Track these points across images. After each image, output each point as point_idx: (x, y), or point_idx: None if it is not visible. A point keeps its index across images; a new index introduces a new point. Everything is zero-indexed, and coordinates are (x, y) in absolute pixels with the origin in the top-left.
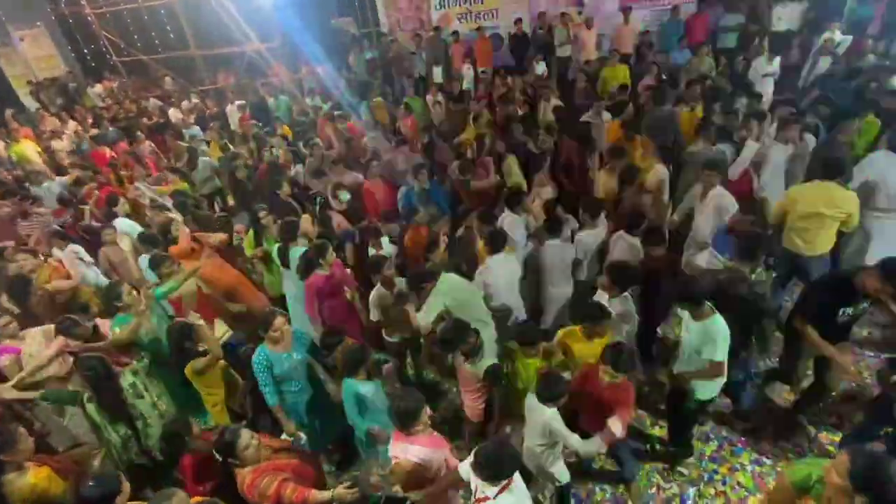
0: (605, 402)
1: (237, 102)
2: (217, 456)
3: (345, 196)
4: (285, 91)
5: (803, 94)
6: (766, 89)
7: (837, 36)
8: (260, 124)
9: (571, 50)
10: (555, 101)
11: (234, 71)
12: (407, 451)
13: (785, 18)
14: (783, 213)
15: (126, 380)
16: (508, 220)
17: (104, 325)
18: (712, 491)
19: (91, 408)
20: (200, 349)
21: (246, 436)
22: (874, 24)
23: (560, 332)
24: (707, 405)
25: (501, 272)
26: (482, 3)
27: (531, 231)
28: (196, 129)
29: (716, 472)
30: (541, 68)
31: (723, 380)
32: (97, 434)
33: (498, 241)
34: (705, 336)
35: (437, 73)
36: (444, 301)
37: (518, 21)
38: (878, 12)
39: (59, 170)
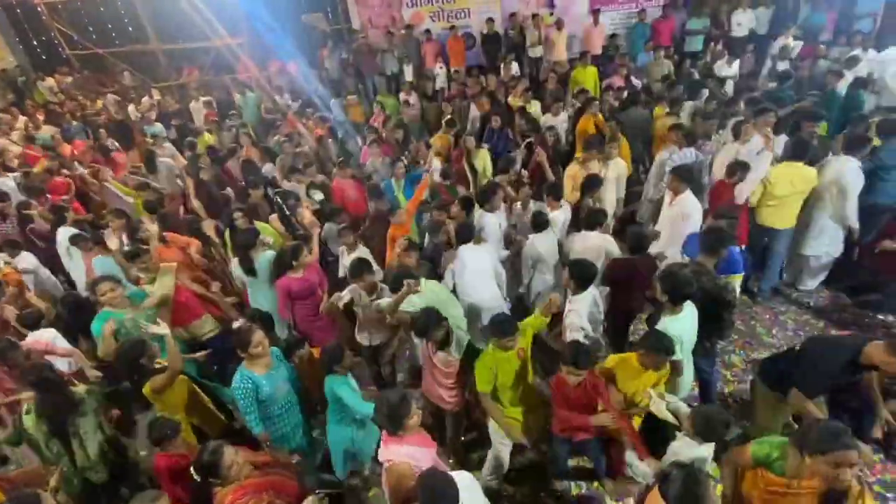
0: (577, 405)
1: (203, 99)
2: (196, 476)
3: (318, 195)
4: (254, 88)
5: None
6: (727, 91)
7: (791, 42)
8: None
9: (543, 50)
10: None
11: (198, 67)
12: (399, 452)
13: (744, 24)
14: (761, 194)
15: (77, 393)
16: (479, 217)
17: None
18: None
19: (28, 419)
20: (158, 366)
21: (229, 453)
22: (826, 31)
23: (612, 358)
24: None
25: (469, 262)
26: (454, 2)
27: (514, 227)
28: (158, 127)
29: None
30: (514, 68)
31: (688, 377)
32: (34, 450)
33: (464, 234)
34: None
35: (409, 72)
36: (424, 300)
37: (490, 21)
38: (830, 19)
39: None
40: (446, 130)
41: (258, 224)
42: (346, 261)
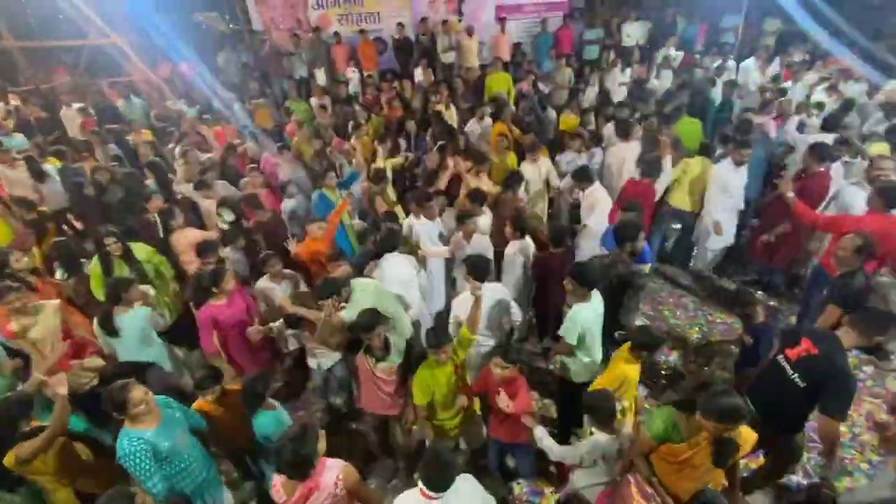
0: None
1: (76, 106)
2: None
3: (228, 216)
4: (140, 92)
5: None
6: (620, 97)
7: (672, 52)
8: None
9: (454, 56)
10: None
11: (67, 68)
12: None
13: (633, 35)
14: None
15: None
16: (411, 225)
17: None
18: None
19: None
20: (30, 428)
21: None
22: (698, 42)
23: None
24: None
25: (389, 272)
26: (363, 5)
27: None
28: (19, 139)
29: None
30: (427, 74)
31: (593, 364)
32: None
33: (387, 242)
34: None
35: (320, 76)
36: (365, 301)
37: (400, 26)
38: (701, 31)
39: None
40: (358, 134)
41: (137, 247)
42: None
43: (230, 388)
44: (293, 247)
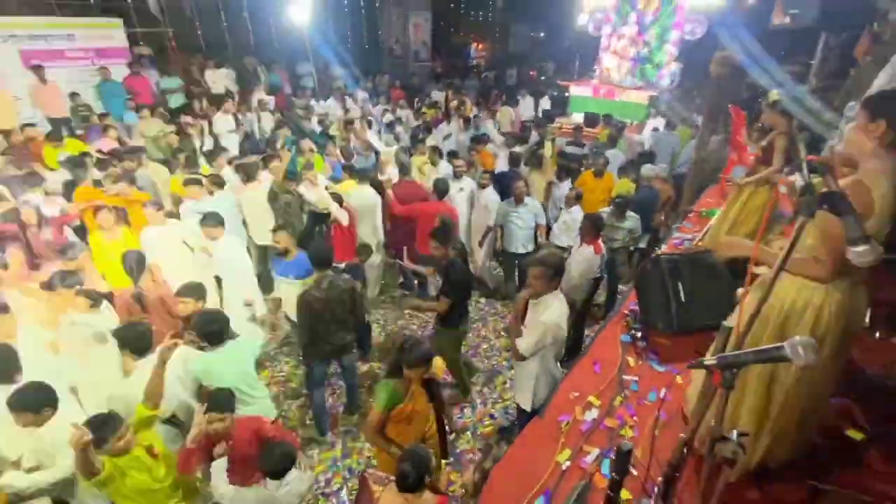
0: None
1: None
2: None
3: None
4: None
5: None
6: (232, 144)
7: (265, 97)
8: None
9: None
10: None
11: None
12: None
13: (219, 81)
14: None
15: None
16: None
17: None
18: None
19: None
20: None
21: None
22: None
23: None
24: None
25: None
26: None
27: None
28: None
29: None
30: None
31: None
32: None
33: None
34: None
35: None
36: None
37: None
38: (284, 78)
39: None
40: None
41: None
42: None
43: None
44: None
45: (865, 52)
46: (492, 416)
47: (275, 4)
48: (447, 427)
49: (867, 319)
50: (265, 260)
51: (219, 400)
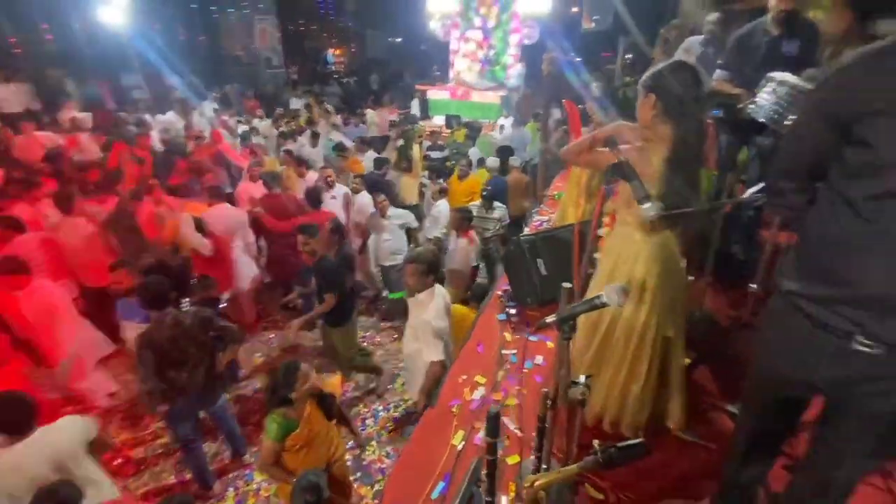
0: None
1: None
2: None
3: None
4: None
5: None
6: None
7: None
8: None
9: None
10: None
11: None
12: None
13: (13, 100)
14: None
15: None
16: None
17: None
18: None
19: None
20: None
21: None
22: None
23: None
24: None
25: None
26: None
27: None
28: None
29: None
30: None
31: None
32: None
33: None
34: None
35: None
36: None
37: None
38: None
39: None
40: None
41: None
42: None
43: None
44: None
45: (661, 53)
46: (395, 420)
47: (79, 8)
48: (354, 441)
49: (682, 264)
50: None
51: None
